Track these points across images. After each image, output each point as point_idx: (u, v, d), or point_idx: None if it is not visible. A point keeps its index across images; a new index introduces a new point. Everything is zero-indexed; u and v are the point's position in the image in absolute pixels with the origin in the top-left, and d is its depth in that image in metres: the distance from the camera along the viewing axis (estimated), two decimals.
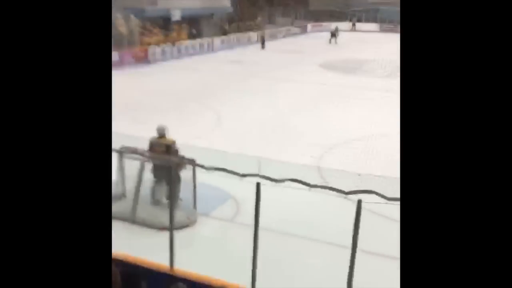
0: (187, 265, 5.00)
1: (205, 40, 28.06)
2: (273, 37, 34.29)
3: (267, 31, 33.30)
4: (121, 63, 21.25)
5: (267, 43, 29.81)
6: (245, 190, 4.68)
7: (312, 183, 4.40)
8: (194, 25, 28.94)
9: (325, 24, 40.93)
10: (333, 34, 32.83)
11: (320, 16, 43.11)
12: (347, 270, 4.12)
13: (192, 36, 27.54)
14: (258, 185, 4.39)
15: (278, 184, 4.49)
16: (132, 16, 23.41)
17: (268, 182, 4.43)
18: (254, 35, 32.57)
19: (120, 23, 22.54)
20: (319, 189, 4.36)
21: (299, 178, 4.44)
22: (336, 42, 32.06)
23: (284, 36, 36.66)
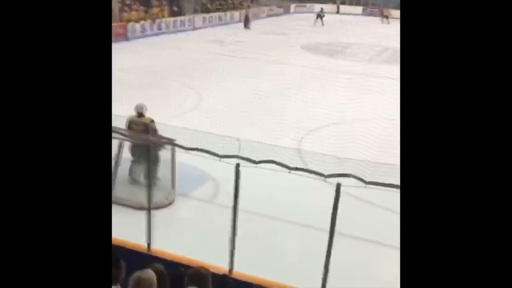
0: (165, 245, 4.99)
1: (186, 18, 27.62)
2: (256, 16, 33.93)
3: (251, 10, 32.93)
4: None
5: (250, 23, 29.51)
6: (224, 171, 4.66)
7: (292, 165, 4.40)
8: (176, 2, 28.41)
9: (308, 5, 40.65)
10: (319, 15, 32.67)
11: None
12: (324, 252, 4.16)
13: (173, 14, 27.06)
14: (237, 166, 4.38)
15: (258, 165, 4.48)
16: None
17: (248, 163, 4.42)
18: (237, 14, 32.16)
19: None
20: (299, 171, 4.37)
21: (279, 160, 4.44)
22: (322, 24, 31.94)
23: (267, 16, 36.31)
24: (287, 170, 4.35)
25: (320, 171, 4.29)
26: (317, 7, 35.35)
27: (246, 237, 4.71)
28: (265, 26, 30.26)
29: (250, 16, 30.37)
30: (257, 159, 4.48)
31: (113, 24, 21.96)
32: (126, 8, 23.38)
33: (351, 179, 4.08)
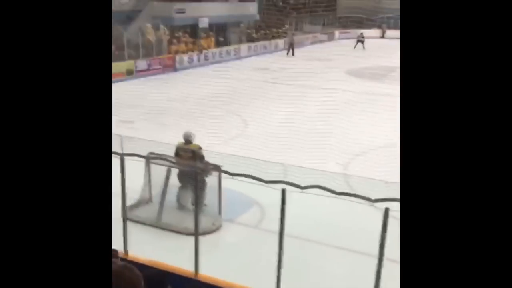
0: (211, 270, 5.01)
1: (231, 48, 28.26)
2: (300, 44, 34.25)
3: (295, 38, 33.34)
4: (149, 71, 21.61)
5: (294, 50, 29.78)
6: (270, 196, 4.66)
7: (338, 190, 4.35)
8: (222, 33, 29.20)
9: (353, 31, 40.67)
10: (359, 40, 32.61)
11: (348, 23, 42.85)
12: (373, 278, 4.05)
13: (219, 44, 27.80)
14: (283, 191, 4.37)
15: (304, 190, 4.46)
16: (161, 25, 23.78)
17: (294, 188, 4.41)
18: (281, 42, 32.59)
19: (149, 31, 22.92)
20: (345, 196, 4.31)
21: (325, 185, 4.41)
22: (363, 48, 31.81)
23: (311, 43, 36.56)
24: (333, 195, 4.30)
25: (367, 195, 4.21)
26: (361, 32, 35.33)
27: (292, 262, 4.66)
28: (310, 53, 30.47)
29: (294, 43, 30.69)
30: (303, 184, 4.47)
31: (162, 56, 22.85)
32: (174, 40, 24.24)
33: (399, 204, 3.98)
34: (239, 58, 28.02)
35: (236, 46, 28.82)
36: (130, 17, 24.20)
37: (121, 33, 21.39)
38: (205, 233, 6.45)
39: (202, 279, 4.87)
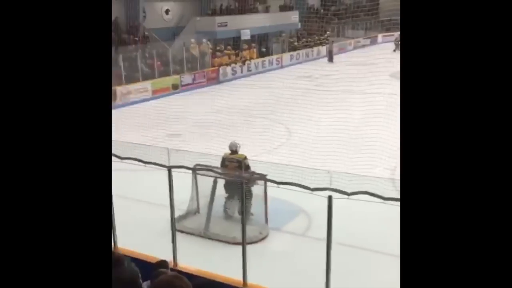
0: (259, 279, 5.01)
1: (274, 57, 28.38)
2: (343, 49, 33.93)
3: (336, 44, 33.06)
4: (194, 84, 22.04)
5: (337, 56, 29.55)
6: (316, 204, 4.62)
7: (386, 195, 4.26)
8: (264, 43, 29.41)
9: (396, 34, 39.89)
10: (396, 44, 31.99)
11: (392, 26, 42.07)
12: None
13: (262, 54, 27.99)
14: (330, 198, 4.33)
15: (350, 197, 4.39)
16: (203, 39, 24.26)
17: (340, 195, 4.35)
18: (323, 49, 32.42)
19: (193, 46, 23.43)
20: (394, 201, 4.20)
21: (372, 191, 4.32)
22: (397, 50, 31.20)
23: (354, 48, 36.16)
24: (381, 201, 4.21)
25: None
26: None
27: (340, 270, 4.59)
28: (352, 58, 30.11)
29: (336, 49, 30.45)
30: (349, 191, 4.40)
31: (206, 69, 23.27)
32: (218, 53, 24.64)
33: None
34: (282, 67, 28.08)
35: (278, 55, 28.93)
36: (174, 33, 24.84)
37: (166, 49, 22.00)
38: (252, 242, 6.47)
39: None
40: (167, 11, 25.37)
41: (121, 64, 19.02)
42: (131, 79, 19.48)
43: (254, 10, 30.48)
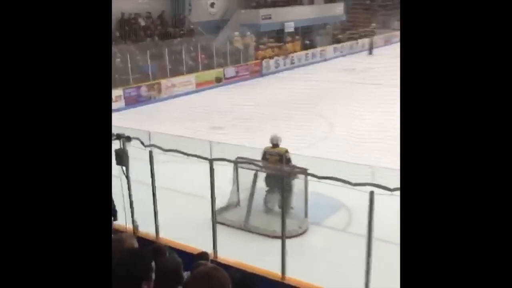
0: (298, 273, 5.01)
1: (317, 50, 28.10)
2: (388, 41, 33.12)
3: (381, 36, 32.29)
4: (237, 77, 22.18)
5: (382, 49, 28.91)
6: (358, 199, 4.55)
7: None
8: (308, 36, 29.15)
9: None
10: None
11: None
12: None
13: (305, 47, 27.77)
14: (371, 193, 4.26)
15: (393, 193, 4.29)
16: (247, 32, 24.33)
17: (382, 190, 4.27)
18: (367, 41, 31.80)
19: (237, 39, 23.55)
20: None
21: None
22: None
23: (399, 40, 35.25)
24: None
25: None
26: None
27: (381, 267, 4.51)
28: (397, 50, 29.35)
29: (381, 42, 29.79)
30: (392, 186, 4.31)
31: (249, 62, 23.35)
32: (261, 46, 24.65)
33: None
34: (325, 60, 27.76)
35: (322, 48, 28.61)
36: (219, 26, 25.05)
37: (210, 43, 22.22)
38: (292, 236, 6.46)
39: (289, 282, 4.88)
40: (212, 4, 25.58)
41: (167, 57, 19.36)
42: (175, 72, 19.80)
43: (299, 2, 30.22)
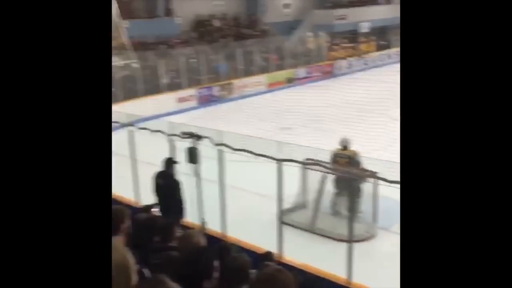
0: (364, 279, 4.90)
1: (393, 51, 27.25)
2: None
3: None
4: (308, 78, 22.07)
5: None
6: None
7: None
8: (383, 36, 28.36)
9: None
10: None
11: None
12: None
13: (381, 47, 27.03)
14: None
15: None
16: (320, 33, 24.14)
17: None
18: None
19: (310, 40, 23.43)
20: None
21: None
22: None
23: None
24: None
25: None
26: None
27: None
28: None
29: None
30: None
31: (321, 63, 23.15)
32: (334, 47, 24.34)
33: None
34: None
35: (397, 49, 27.71)
36: (292, 27, 25.06)
37: (283, 43, 22.31)
38: (359, 240, 6.33)
39: (354, 287, 4.79)
40: (286, 5, 25.65)
41: (239, 58, 19.70)
42: (247, 73, 20.10)
43: (375, 2, 29.48)
